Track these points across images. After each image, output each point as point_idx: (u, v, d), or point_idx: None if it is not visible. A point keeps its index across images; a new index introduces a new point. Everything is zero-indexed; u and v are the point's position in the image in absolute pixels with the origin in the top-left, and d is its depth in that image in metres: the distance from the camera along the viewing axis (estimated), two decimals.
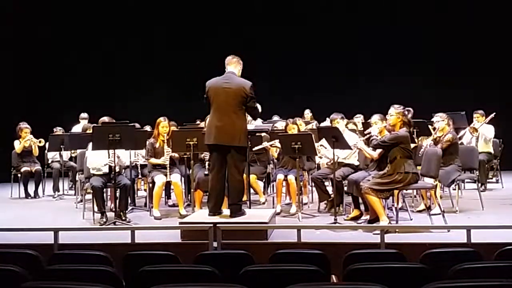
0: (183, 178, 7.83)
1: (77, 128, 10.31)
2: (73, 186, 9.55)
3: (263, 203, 7.85)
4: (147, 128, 8.85)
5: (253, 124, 9.18)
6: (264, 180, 8.23)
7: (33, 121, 9.68)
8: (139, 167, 8.03)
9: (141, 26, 12.90)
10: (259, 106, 6.27)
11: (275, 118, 10.39)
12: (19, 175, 9.32)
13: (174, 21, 12.94)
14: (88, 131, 8.26)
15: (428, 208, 6.59)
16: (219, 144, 5.90)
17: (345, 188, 6.83)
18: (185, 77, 12.50)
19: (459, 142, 8.00)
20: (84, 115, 10.54)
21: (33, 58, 12.16)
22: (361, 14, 12.61)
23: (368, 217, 6.36)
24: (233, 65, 6.04)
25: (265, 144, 7.49)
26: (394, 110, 6.13)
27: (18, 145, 9.30)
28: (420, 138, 8.03)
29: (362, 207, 6.64)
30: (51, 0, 12.48)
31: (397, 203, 6.23)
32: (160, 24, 12.98)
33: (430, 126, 7.86)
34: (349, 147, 6.67)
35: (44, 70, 12.41)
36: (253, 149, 7.25)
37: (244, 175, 6.14)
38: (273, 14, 12.97)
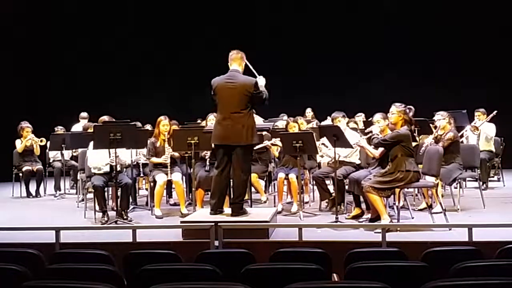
0: (184, 177, 7.82)
1: (77, 127, 10.32)
2: (75, 185, 9.55)
3: (265, 202, 7.85)
4: (148, 127, 8.85)
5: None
6: (265, 179, 8.23)
7: (34, 120, 9.69)
8: (140, 166, 8.03)
9: (141, 26, 12.90)
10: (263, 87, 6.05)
11: (282, 115, 10.32)
12: (20, 174, 9.33)
13: (174, 21, 12.93)
14: (89, 130, 8.26)
15: (430, 207, 6.59)
16: (224, 144, 5.91)
17: (347, 187, 6.83)
18: (185, 76, 12.49)
19: (460, 140, 7.99)
20: (84, 114, 10.54)
21: (34, 57, 12.17)
22: (362, 14, 12.60)
23: (369, 215, 6.36)
24: (237, 63, 6.00)
25: (266, 142, 7.48)
26: (396, 109, 6.14)
27: (19, 145, 9.31)
28: (421, 137, 8.02)
29: (363, 205, 6.64)
30: (51, 0, 12.49)
31: (399, 202, 6.23)
32: (160, 24, 12.97)
33: (431, 125, 7.86)
34: (350, 146, 6.67)
35: (45, 69, 12.41)
36: (254, 148, 7.24)
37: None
38: (273, 14, 12.96)
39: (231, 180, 6.12)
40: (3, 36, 11.71)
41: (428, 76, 11.81)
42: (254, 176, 7.52)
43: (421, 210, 7.04)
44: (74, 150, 9.40)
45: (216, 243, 4.73)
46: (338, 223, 6.30)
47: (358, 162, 7.09)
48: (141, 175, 8.29)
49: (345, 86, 12.15)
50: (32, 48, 12.13)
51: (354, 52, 12.26)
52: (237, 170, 5.90)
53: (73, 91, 12.43)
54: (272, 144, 7.49)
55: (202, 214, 6.33)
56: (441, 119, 7.40)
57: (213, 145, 6.26)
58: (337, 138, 6.50)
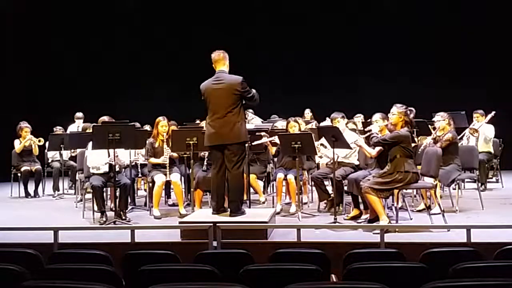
0: (183, 178, 7.83)
1: (72, 128, 10.32)
2: (73, 185, 9.54)
3: (263, 202, 7.84)
4: (147, 127, 8.85)
5: (253, 123, 9.19)
6: (264, 180, 8.23)
7: (33, 120, 9.68)
8: (139, 167, 8.03)
9: (141, 26, 12.89)
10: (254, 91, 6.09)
11: (273, 117, 10.36)
12: (19, 174, 9.32)
13: (174, 21, 12.93)
14: (88, 131, 8.25)
15: (428, 208, 6.59)
16: (216, 144, 5.95)
17: (345, 188, 6.83)
18: (185, 77, 12.49)
19: (460, 143, 7.99)
20: (79, 114, 10.53)
21: (33, 57, 12.16)
22: (361, 14, 12.61)
23: (368, 216, 6.35)
24: (221, 63, 6.04)
25: (265, 139, 7.45)
26: (397, 109, 6.13)
27: (18, 145, 9.29)
28: (419, 138, 8.03)
29: (361, 206, 6.64)
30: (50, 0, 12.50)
31: (397, 203, 6.23)
32: (160, 24, 12.97)
33: (430, 126, 7.86)
34: (348, 147, 6.66)
35: (44, 69, 12.40)
36: (253, 143, 7.24)
37: (244, 175, 6.14)
38: (273, 14, 12.96)
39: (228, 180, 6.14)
40: (3, 36, 11.69)
41: (428, 76, 11.81)
42: (252, 177, 7.52)
43: (419, 211, 7.04)
44: (72, 151, 9.39)
45: (215, 243, 4.73)
46: (337, 224, 6.29)
47: (356, 163, 7.09)
48: (140, 175, 8.28)
49: (345, 87, 12.15)
50: (31, 48, 12.11)
51: (353, 52, 12.27)
52: (230, 169, 5.94)
53: (73, 92, 12.41)
54: (271, 142, 7.45)
55: (201, 215, 6.32)
56: (441, 120, 7.41)
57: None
58: (336, 139, 6.50)
